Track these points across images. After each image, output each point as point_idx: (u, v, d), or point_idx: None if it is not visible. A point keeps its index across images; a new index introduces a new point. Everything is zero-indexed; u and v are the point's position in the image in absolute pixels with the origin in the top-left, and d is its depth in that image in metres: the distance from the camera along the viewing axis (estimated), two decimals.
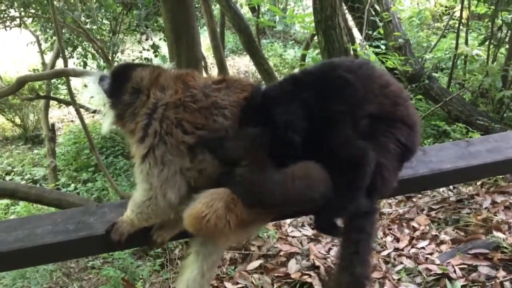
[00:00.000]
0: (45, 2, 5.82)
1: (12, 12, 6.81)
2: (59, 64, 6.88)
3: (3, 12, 6.64)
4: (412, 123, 1.37)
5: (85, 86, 1.46)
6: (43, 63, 7.56)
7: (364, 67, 1.39)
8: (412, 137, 1.37)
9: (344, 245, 1.32)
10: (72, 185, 6.20)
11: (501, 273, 2.71)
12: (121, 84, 1.33)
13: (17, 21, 6.86)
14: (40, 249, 1.29)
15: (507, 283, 2.65)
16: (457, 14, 5.88)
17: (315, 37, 5.34)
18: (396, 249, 3.20)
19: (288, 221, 3.71)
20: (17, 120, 9.33)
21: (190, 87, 1.30)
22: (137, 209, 1.29)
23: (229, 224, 1.20)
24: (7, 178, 7.18)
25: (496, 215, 3.33)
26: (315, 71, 1.42)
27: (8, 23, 6.81)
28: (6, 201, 5.84)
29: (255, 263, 3.21)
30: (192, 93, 1.29)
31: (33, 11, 6.48)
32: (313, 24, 4.38)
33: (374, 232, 1.36)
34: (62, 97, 7.97)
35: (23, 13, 6.61)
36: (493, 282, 2.64)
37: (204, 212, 1.18)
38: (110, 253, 3.64)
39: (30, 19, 7.17)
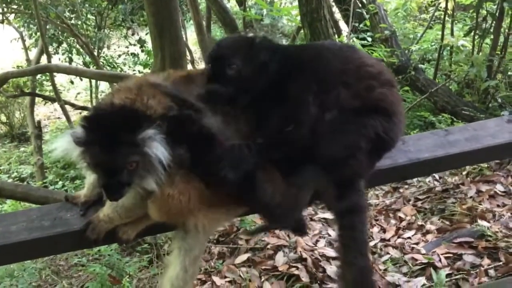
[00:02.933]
0: None
1: None
2: (44, 60, 6.78)
3: None
4: (392, 112, 1.30)
5: (71, 82, 1.37)
6: (28, 60, 7.45)
7: (344, 49, 1.37)
8: (392, 127, 1.29)
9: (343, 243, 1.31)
10: (60, 182, 6.15)
11: (486, 261, 2.73)
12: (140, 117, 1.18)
13: (0, 17, 6.75)
14: (15, 247, 1.27)
15: (491, 271, 2.67)
16: (443, 5, 5.91)
17: (302, 30, 5.33)
18: (382, 240, 3.22)
19: None
20: (3, 118, 9.22)
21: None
22: (120, 208, 1.26)
23: (193, 198, 1.18)
24: None
25: (481, 204, 3.36)
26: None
27: None
28: None
29: (243, 257, 3.20)
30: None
31: (15, 6, 6.37)
32: (299, 17, 4.37)
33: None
34: (47, 93, 7.88)
35: (5, 9, 6.51)
36: (477, 270, 2.66)
37: (166, 191, 1.17)
38: (98, 250, 3.61)
39: (13, 15, 7.06)
